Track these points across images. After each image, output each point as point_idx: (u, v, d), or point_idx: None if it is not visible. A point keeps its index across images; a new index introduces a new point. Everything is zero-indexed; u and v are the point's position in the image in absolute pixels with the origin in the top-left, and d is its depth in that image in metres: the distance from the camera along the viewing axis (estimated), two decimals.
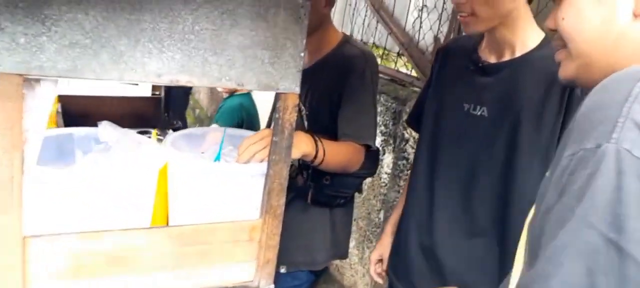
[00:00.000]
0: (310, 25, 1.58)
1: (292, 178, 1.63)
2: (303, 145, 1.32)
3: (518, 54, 1.25)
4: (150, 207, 1.06)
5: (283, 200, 1.07)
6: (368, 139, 1.54)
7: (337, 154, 1.46)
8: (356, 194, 1.77)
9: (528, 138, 1.20)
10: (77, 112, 1.91)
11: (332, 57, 1.62)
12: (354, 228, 2.61)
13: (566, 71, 0.80)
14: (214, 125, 2.79)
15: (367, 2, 2.78)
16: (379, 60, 2.73)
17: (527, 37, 1.24)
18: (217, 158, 1.19)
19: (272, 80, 0.98)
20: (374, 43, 2.80)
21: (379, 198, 2.41)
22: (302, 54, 1.00)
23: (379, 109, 2.44)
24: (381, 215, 2.38)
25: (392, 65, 2.62)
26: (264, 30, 0.95)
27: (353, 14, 2.96)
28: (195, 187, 1.08)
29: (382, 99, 2.42)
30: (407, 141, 2.19)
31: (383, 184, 2.37)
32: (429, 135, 1.43)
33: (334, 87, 1.57)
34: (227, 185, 1.07)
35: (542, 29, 1.24)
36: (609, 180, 0.53)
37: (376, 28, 2.76)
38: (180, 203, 1.09)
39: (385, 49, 2.70)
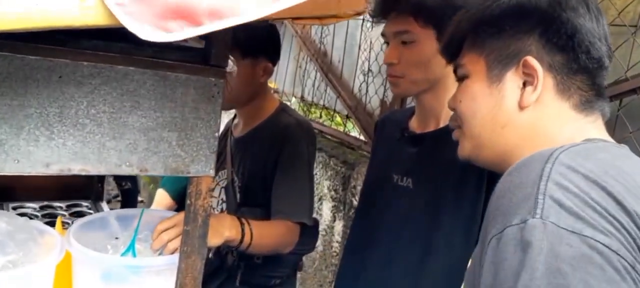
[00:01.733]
0: (246, 95, 1.55)
1: (222, 256, 1.56)
2: (225, 230, 1.22)
3: (442, 124, 1.22)
4: None
5: None
6: (302, 215, 1.44)
7: (268, 236, 1.37)
8: (307, 265, 1.69)
9: (448, 211, 1.16)
10: None
11: (267, 126, 1.55)
12: None
13: (462, 150, 0.88)
14: (159, 191, 2.64)
15: (317, 65, 2.76)
16: (328, 122, 2.69)
17: None
18: (130, 248, 1.08)
19: (182, 164, 0.90)
20: (323, 105, 2.77)
21: (331, 269, 2.30)
22: (217, 134, 0.93)
23: (328, 173, 2.38)
24: None
25: (342, 127, 2.58)
26: (170, 111, 0.87)
27: (303, 76, 2.95)
28: (97, 286, 0.97)
29: (331, 162, 2.36)
30: (355, 209, 2.12)
31: (334, 253, 2.28)
32: (363, 205, 1.40)
33: (268, 157, 1.49)
34: (134, 282, 0.97)
35: None
36: (543, 251, 0.55)
37: (325, 91, 2.73)
38: None
39: (335, 110, 2.67)
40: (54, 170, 0.80)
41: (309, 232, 1.50)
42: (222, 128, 1.72)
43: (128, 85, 0.83)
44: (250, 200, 1.53)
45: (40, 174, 0.80)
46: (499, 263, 0.59)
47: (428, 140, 1.24)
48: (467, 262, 1.16)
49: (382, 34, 1.27)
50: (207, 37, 0.92)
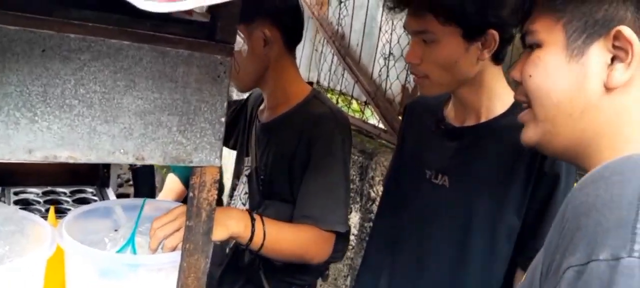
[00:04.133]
0: (248, 73, 1.32)
1: (239, 254, 1.40)
2: (232, 224, 1.09)
3: (483, 119, 1.11)
4: None
5: None
6: (335, 223, 1.24)
7: (288, 240, 1.20)
8: None
9: (488, 216, 1.06)
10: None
11: (297, 113, 1.35)
12: None
13: (529, 135, 0.75)
14: (170, 176, 2.55)
15: (333, 48, 2.65)
16: (345, 109, 2.58)
17: (493, 102, 1.11)
18: (130, 242, 0.99)
19: (183, 152, 0.80)
20: (340, 90, 2.65)
21: (346, 263, 2.21)
22: (223, 119, 0.83)
23: None
24: (348, 282, 2.18)
25: (360, 114, 2.47)
26: (170, 92, 0.77)
27: (320, 60, 2.83)
28: (92, 283, 0.88)
29: None
30: (373, 201, 2.02)
31: (350, 247, 2.19)
32: (390, 200, 1.29)
33: (296, 149, 1.29)
34: (132, 280, 0.88)
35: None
36: None
37: (343, 75, 2.62)
38: None
39: (352, 96, 2.56)
40: (37, 157, 0.71)
41: (341, 238, 1.29)
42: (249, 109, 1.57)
43: (122, 62, 0.73)
44: (273, 194, 1.36)
45: (22, 161, 0.70)
46: None
47: (468, 135, 1.13)
48: (501, 273, 1.08)
49: (404, 27, 1.15)
50: (213, 9, 0.81)
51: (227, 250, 1.46)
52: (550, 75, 0.68)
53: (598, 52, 0.65)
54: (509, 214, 1.06)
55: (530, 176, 1.05)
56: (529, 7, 0.72)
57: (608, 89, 0.64)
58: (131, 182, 3.07)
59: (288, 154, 1.32)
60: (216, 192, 0.85)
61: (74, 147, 0.72)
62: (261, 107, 1.50)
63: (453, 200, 1.12)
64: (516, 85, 0.76)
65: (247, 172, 1.48)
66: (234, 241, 1.35)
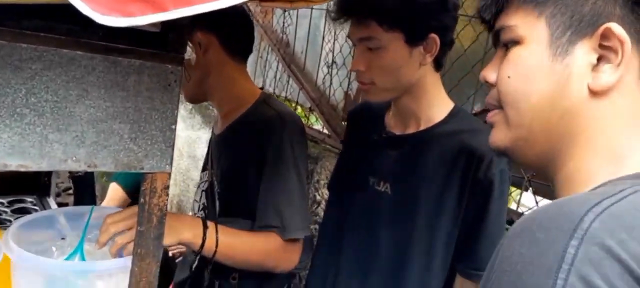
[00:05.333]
0: (191, 80, 1.30)
1: (196, 274, 1.38)
2: (184, 230, 1.10)
3: (423, 127, 1.15)
4: None
5: None
6: (293, 229, 1.22)
7: (243, 248, 1.19)
8: None
9: (427, 221, 1.11)
10: None
11: (246, 120, 1.32)
12: None
13: (499, 139, 0.65)
14: (112, 185, 2.50)
15: (278, 55, 2.69)
16: None
17: (433, 109, 1.15)
18: (78, 250, 1.00)
19: (134, 159, 0.82)
20: (286, 97, 2.70)
21: None
22: (174, 126, 0.86)
23: None
24: None
25: (305, 120, 2.53)
26: (122, 101, 0.79)
27: (265, 67, 2.87)
28: None
29: None
30: (319, 204, 2.08)
31: None
32: (335, 207, 1.32)
33: (248, 158, 1.27)
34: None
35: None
36: None
37: (288, 82, 2.67)
38: None
39: (297, 103, 2.61)
40: None
41: (307, 244, 1.28)
42: None
43: (74, 72, 0.75)
44: (230, 210, 1.34)
45: None
46: None
47: (409, 143, 1.16)
48: (440, 280, 1.13)
49: (348, 37, 1.18)
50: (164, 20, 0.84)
51: (193, 267, 1.42)
52: (531, 75, 0.60)
53: (584, 52, 0.57)
54: (447, 221, 1.09)
55: (465, 183, 1.08)
56: (503, 1, 0.64)
57: (593, 92, 0.57)
58: (70, 191, 2.99)
59: (240, 166, 1.31)
60: (167, 197, 0.88)
61: (25, 155, 0.73)
62: (216, 119, 1.50)
63: (394, 207, 1.15)
64: (488, 88, 0.68)
65: (204, 187, 1.46)
66: (197, 258, 1.36)
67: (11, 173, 1.88)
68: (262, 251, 1.22)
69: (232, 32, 1.35)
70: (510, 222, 1.48)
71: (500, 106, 0.65)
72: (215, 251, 1.15)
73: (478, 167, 1.07)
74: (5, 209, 1.72)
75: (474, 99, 1.64)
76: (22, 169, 0.74)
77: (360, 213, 1.22)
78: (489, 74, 0.67)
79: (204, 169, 1.53)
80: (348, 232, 1.24)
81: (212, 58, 1.32)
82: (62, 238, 1.05)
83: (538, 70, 0.59)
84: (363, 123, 1.31)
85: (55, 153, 0.75)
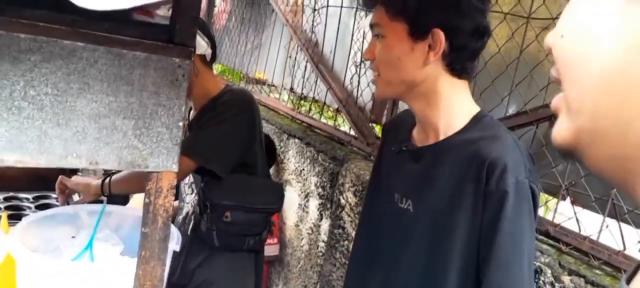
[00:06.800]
0: None
1: (195, 226, 1.74)
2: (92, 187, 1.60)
3: (441, 136, 1.06)
4: None
5: None
6: (195, 154, 1.60)
7: (127, 176, 1.61)
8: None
9: (445, 238, 1.01)
10: None
11: (209, 107, 1.70)
12: None
13: (559, 133, 0.43)
14: None
15: (307, 55, 2.64)
16: (318, 116, 2.58)
17: (452, 117, 1.06)
18: (87, 248, 0.97)
19: (139, 157, 0.78)
20: (314, 97, 2.65)
21: (316, 270, 2.20)
22: (181, 123, 0.81)
23: (315, 169, 2.27)
24: None
25: (332, 123, 2.47)
26: (126, 95, 0.75)
27: (293, 67, 2.82)
28: None
29: (319, 157, 2.25)
30: (343, 208, 2.01)
31: (320, 253, 2.17)
32: (364, 223, 1.27)
33: (205, 122, 1.67)
34: None
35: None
36: None
37: (316, 82, 2.62)
38: None
39: (324, 103, 2.55)
40: None
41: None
42: None
43: (76, 64, 0.71)
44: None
45: None
46: None
47: (427, 155, 1.08)
48: None
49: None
50: (172, 11, 0.80)
51: (189, 231, 1.78)
52: (592, 29, 0.39)
53: None
54: (459, 243, 1.00)
55: (477, 197, 0.97)
56: None
57: None
58: None
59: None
60: (173, 198, 0.83)
61: (23, 150, 0.70)
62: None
63: (415, 224, 1.08)
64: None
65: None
66: (192, 219, 1.77)
67: (38, 170, 1.89)
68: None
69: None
70: (546, 234, 1.39)
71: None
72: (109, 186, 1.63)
73: (489, 176, 0.95)
74: (30, 205, 1.73)
75: (508, 100, 1.54)
76: (20, 165, 0.71)
77: (386, 231, 1.16)
78: (548, 37, 0.45)
79: None
80: (375, 252, 1.19)
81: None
82: (73, 237, 1.03)
83: (600, 21, 0.38)
84: (394, 136, 1.24)
85: (55, 149, 0.72)
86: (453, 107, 1.06)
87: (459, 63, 1.03)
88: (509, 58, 1.52)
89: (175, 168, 0.81)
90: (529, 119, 1.49)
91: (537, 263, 1.26)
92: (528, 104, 1.51)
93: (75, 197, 1.75)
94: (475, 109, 1.08)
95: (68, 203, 1.66)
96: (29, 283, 0.89)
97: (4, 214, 1.10)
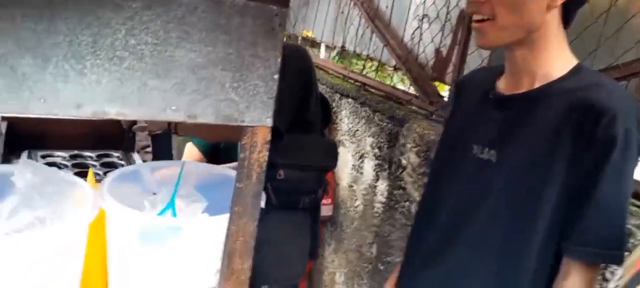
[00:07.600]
0: None
1: None
2: None
3: (537, 84, 1.01)
4: (78, 274, 0.82)
5: (249, 263, 0.84)
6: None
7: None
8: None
9: (534, 192, 0.97)
10: (26, 134, 1.67)
11: None
12: (343, 261, 2.38)
13: None
14: (189, 145, 2.52)
15: (361, 10, 2.56)
16: (373, 74, 2.51)
17: (552, 65, 1.01)
18: (170, 205, 0.95)
19: (235, 111, 0.75)
20: (368, 55, 2.58)
21: (372, 230, 2.17)
22: (276, 76, 0.78)
23: (371, 129, 2.22)
24: (373, 249, 2.15)
25: (388, 81, 2.40)
26: (224, 45, 0.72)
27: (345, 23, 2.74)
28: (133, 247, 0.84)
29: (376, 117, 2.20)
30: (404, 168, 1.97)
31: (376, 214, 2.14)
32: (437, 175, 1.23)
33: None
34: (174, 245, 0.84)
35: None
36: None
37: (371, 39, 2.54)
38: (117, 268, 0.86)
39: (380, 61, 2.48)
40: (87, 113, 0.66)
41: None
42: None
43: (175, 11, 0.68)
44: None
45: (71, 117, 0.66)
46: None
47: (518, 103, 1.03)
48: (549, 261, 1.00)
49: None
50: None
51: None
52: None
53: None
54: (552, 193, 0.96)
55: (578, 143, 0.93)
56: None
57: None
58: (148, 149, 3.06)
59: None
60: (267, 153, 0.81)
61: (124, 102, 0.68)
62: None
63: (497, 177, 1.04)
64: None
65: None
66: None
67: (100, 128, 1.91)
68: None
69: None
70: (636, 196, 1.31)
71: None
72: None
73: (597, 121, 0.90)
74: (95, 163, 1.75)
75: (595, 55, 1.45)
76: (120, 117, 0.69)
77: (461, 184, 1.12)
78: None
79: None
80: (450, 203, 1.14)
81: None
82: (154, 194, 1.02)
83: None
84: (470, 91, 1.19)
85: (153, 102, 0.69)
86: (557, 55, 1.01)
87: (575, 10, 0.98)
88: (598, 10, 1.42)
89: (269, 122, 0.78)
90: (621, 73, 1.40)
91: (628, 226, 1.20)
92: (619, 58, 1.42)
93: None
94: (574, 59, 1.03)
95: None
96: (118, 237, 0.89)
97: (90, 170, 1.10)
